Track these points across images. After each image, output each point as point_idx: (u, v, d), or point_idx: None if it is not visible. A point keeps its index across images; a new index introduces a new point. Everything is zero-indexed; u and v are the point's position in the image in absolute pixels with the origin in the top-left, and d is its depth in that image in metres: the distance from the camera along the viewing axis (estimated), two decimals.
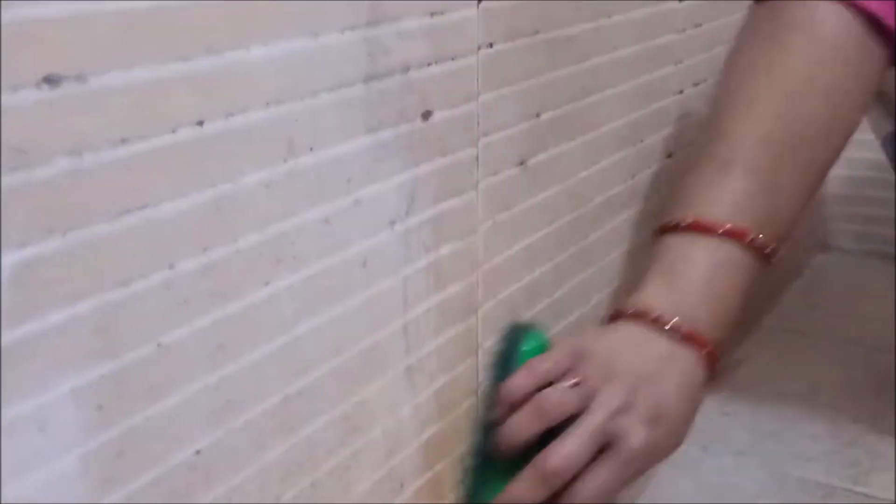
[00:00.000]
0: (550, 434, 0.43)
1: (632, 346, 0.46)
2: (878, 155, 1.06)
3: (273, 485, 0.35)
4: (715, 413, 0.75)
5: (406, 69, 0.40)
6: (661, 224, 0.49)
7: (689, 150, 0.70)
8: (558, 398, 0.43)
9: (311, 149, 0.35)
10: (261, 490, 0.35)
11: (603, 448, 0.43)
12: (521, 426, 0.43)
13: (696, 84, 0.69)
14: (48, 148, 0.26)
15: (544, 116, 0.51)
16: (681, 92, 0.67)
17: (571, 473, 0.42)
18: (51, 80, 0.26)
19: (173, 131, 0.30)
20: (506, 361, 0.46)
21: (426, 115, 0.42)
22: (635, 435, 0.42)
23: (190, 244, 0.31)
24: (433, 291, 0.44)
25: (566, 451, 0.41)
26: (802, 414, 0.74)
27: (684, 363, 0.46)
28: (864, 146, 1.05)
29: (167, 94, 0.29)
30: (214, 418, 0.32)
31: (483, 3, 0.44)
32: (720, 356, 0.47)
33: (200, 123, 0.31)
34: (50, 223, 0.26)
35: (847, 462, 0.68)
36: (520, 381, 0.44)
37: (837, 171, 1.07)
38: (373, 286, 0.40)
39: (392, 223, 0.40)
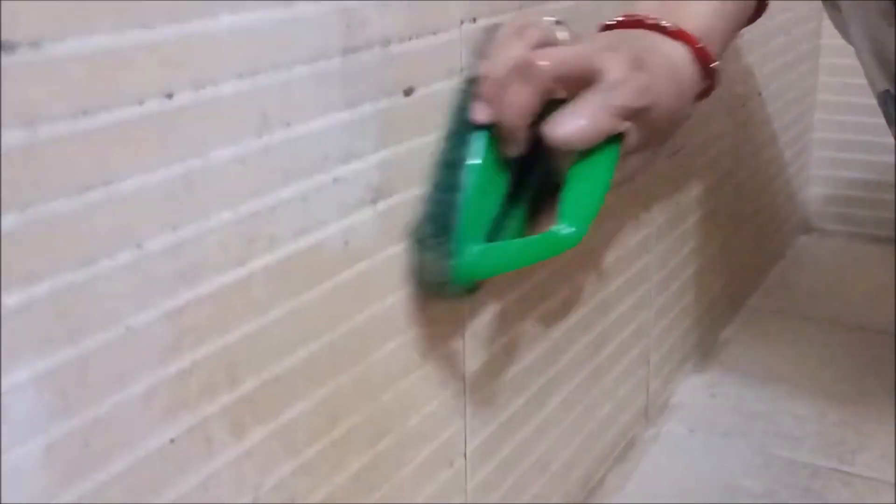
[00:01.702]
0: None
1: (619, 34, 0.48)
2: (859, 137, 1.06)
3: (251, 474, 0.34)
4: (701, 394, 0.74)
5: (386, 42, 0.38)
6: None
7: None
8: (534, 22, 0.42)
9: (288, 123, 0.34)
10: (238, 480, 0.34)
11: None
12: (509, 51, 0.41)
13: None
14: (1, 119, 0.24)
15: None
16: None
17: (553, 75, 0.40)
18: (3, 47, 0.24)
19: (140, 103, 0.28)
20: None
21: (408, 91, 0.40)
22: (617, 67, 0.42)
23: (158, 222, 0.29)
24: None
25: (550, 52, 0.41)
26: (788, 394, 0.73)
27: (671, 45, 0.47)
28: (846, 128, 1.05)
29: (131, 63, 0.27)
30: (188, 405, 0.31)
31: None
32: (707, 51, 0.48)
33: (169, 95, 0.29)
34: (5, 199, 0.25)
35: (833, 441, 0.67)
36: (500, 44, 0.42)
37: (820, 154, 1.08)
38: (354, 267, 0.38)
39: (374, 201, 0.39)
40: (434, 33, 0.41)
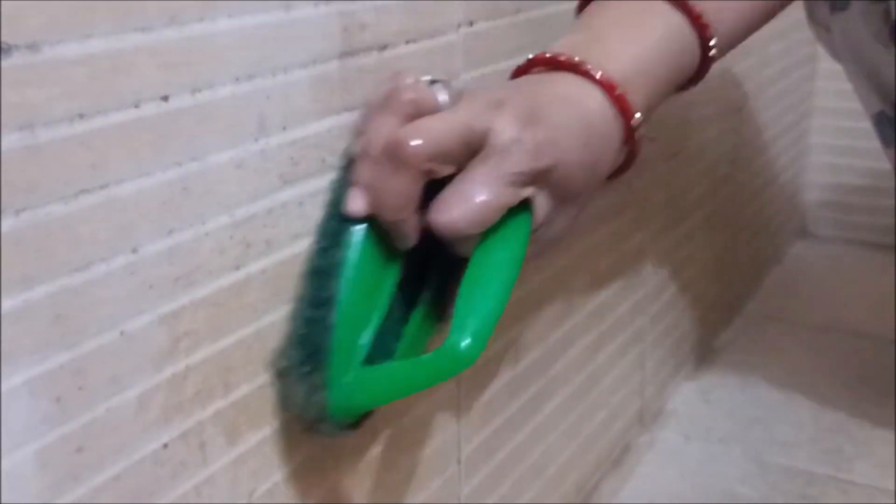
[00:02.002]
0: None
1: (514, 84, 0.40)
2: (855, 142, 1.06)
3: (244, 479, 0.34)
4: (697, 401, 0.74)
5: (383, 46, 0.38)
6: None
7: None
8: (411, 85, 0.34)
9: (284, 128, 0.34)
10: (232, 485, 0.33)
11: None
12: (380, 127, 0.34)
13: None
14: None
15: None
16: None
17: (429, 155, 0.33)
18: (1, 49, 0.24)
19: (136, 106, 0.28)
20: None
21: None
22: (505, 127, 0.35)
23: (154, 226, 0.29)
24: None
25: (423, 125, 0.33)
26: (784, 401, 0.73)
27: (581, 89, 0.39)
28: (843, 133, 1.05)
29: (128, 66, 0.27)
30: (183, 410, 0.31)
31: None
32: (637, 117, 0.40)
33: (165, 98, 0.29)
34: (1, 203, 0.24)
35: (829, 449, 0.67)
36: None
37: (817, 159, 1.08)
38: None
39: None
40: (431, 37, 0.41)
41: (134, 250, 0.28)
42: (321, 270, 0.33)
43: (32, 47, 0.25)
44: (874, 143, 1.04)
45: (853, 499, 0.62)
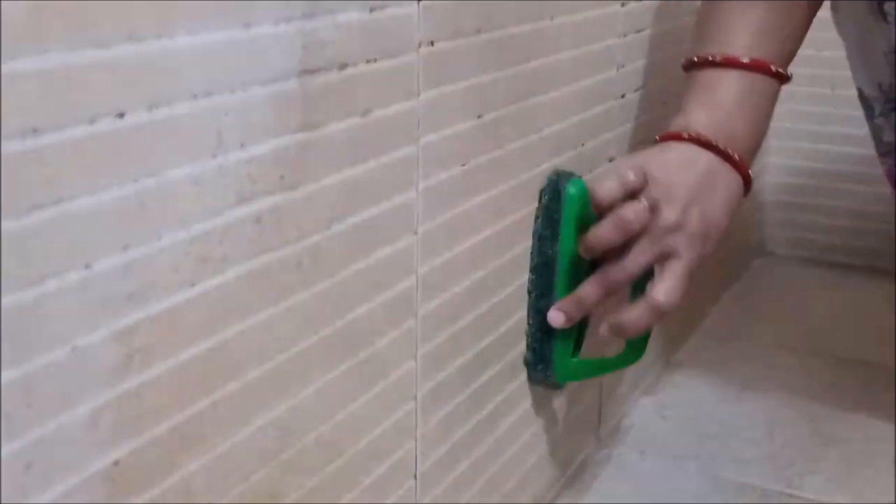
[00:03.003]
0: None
1: (684, 164, 0.57)
2: (814, 164, 1.08)
3: (200, 496, 0.34)
4: (653, 417, 0.75)
5: (343, 65, 0.39)
6: (694, 58, 0.61)
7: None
8: (636, 217, 0.53)
9: (242, 144, 0.34)
10: (184, 500, 0.33)
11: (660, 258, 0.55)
12: (604, 236, 0.53)
13: (636, 89, 0.69)
14: None
15: (486, 117, 0.50)
16: (622, 97, 0.67)
17: (630, 281, 0.55)
18: None
19: (91, 122, 0.28)
20: (554, 204, 0.56)
21: (365, 112, 0.40)
22: (686, 252, 0.55)
23: (109, 242, 0.29)
24: (373, 293, 0.43)
25: (629, 266, 0.54)
26: (739, 417, 0.75)
27: (728, 181, 0.58)
28: (801, 155, 1.08)
29: (84, 82, 0.27)
30: (134, 427, 0.31)
31: (423, 1, 0.43)
32: (750, 175, 0.60)
33: (121, 115, 0.29)
34: None
35: (782, 465, 0.68)
36: (611, 188, 0.53)
37: (774, 179, 1.10)
38: (308, 289, 0.38)
39: (329, 223, 0.39)
40: (392, 56, 0.41)
41: (87, 266, 0.28)
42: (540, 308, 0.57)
43: None
44: (832, 165, 1.06)
45: None
